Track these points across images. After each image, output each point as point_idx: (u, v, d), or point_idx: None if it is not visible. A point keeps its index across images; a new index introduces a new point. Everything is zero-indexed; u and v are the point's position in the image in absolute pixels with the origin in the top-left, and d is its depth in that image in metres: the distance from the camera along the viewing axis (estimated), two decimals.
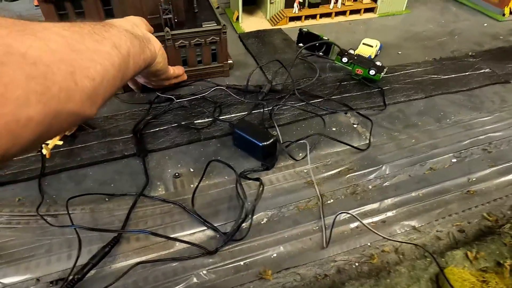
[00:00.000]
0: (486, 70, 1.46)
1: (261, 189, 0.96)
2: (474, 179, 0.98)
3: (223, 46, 1.51)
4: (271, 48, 1.86)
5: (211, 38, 1.46)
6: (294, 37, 1.92)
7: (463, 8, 2.53)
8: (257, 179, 0.97)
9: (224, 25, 1.42)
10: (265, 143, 1.09)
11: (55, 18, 1.35)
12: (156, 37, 1.22)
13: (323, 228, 0.83)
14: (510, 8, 2.35)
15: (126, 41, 0.68)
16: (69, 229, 0.81)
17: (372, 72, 1.50)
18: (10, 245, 0.78)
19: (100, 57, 0.55)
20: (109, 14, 1.43)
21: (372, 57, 1.72)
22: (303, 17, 2.17)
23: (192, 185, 0.98)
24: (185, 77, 1.30)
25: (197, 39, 1.46)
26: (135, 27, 0.91)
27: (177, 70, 1.24)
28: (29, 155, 1.06)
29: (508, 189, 0.96)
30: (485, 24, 2.32)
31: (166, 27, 1.37)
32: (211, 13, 1.59)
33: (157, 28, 1.34)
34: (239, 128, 1.16)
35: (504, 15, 2.30)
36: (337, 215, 0.88)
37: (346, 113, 1.38)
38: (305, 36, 1.83)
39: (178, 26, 1.47)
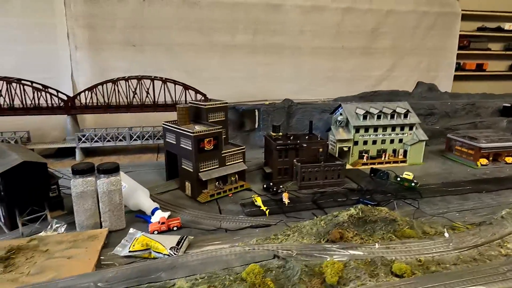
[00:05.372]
0: (469, 187, 4.45)
1: None
2: None
3: (343, 170, 4.03)
4: (359, 177, 4.90)
5: (338, 166, 3.97)
6: (366, 172, 5.12)
7: (454, 162, 5.44)
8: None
9: (345, 162, 4.10)
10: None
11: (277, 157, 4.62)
12: (314, 166, 4.37)
13: None
14: (480, 163, 4.93)
15: None
16: None
17: (413, 184, 3.94)
18: None
19: None
20: (298, 155, 4.05)
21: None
22: (369, 163, 4.81)
23: None
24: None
25: (333, 167, 3.98)
26: None
27: None
28: (276, 206, 4.06)
29: None
30: (468, 170, 4.87)
31: (322, 162, 3.95)
32: (334, 156, 4.63)
33: (314, 161, 4.62)
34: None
35: (477, 165, 4.86)
36: None
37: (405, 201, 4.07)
38: (374, 170, 4.48)
39: (324, 161, 4.68)
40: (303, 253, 2.49)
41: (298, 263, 2.28)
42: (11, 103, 5.91)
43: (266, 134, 5.19)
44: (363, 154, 5.51)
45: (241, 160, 4.59)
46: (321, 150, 4.72)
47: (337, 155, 5.31)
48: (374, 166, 5.13)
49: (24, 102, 5.94)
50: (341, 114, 5.70)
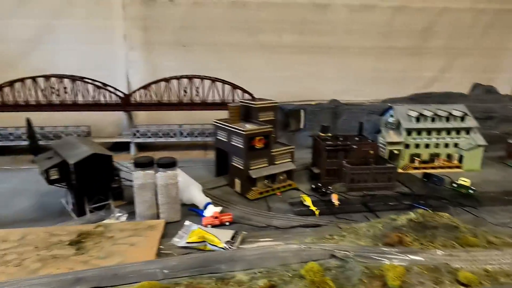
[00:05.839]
0: None
1: None
2: None
3: (394, 174, 3.87)
4: (410, 182, 4.72)
5: (389, 170, 3.83)
6: (418, 176, 4.99)
7: None
8: None
9: (395, 165, 3.91)
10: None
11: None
12: (364, 168, 4.10)
13: None
14: None
15: None
16: None
17: (471, 191, 3.72)
18: None
19: None
20: (347, 156, 3.94)
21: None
22: (421, 168, 4.62)
23: None
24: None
25: (384, 170, 3.85)
26: None
27: None
28: (325, 206, 4.01)
29: None
30: None
31: (372, 164, 3.82)
32: (385, 159, 4.41)
33: (363, 163, 4.54)
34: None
35: None
36: None
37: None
38: (427, 175, 4.22)
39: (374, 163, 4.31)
40: (361, 254, 2.47)
41: (358, 265, 2.27)
42: (75, 99, 6.42)
43: (315, 135, 5.19)
44: (415, 158, 5.35)
45: (290, 159, 4.65)
46: (371, 152, 4.66)
47: (387, 158, 5.21)
48: (427, 171, 4.98)
49: (85, 99, 6.43)
50: (391, 115, 5.54)
